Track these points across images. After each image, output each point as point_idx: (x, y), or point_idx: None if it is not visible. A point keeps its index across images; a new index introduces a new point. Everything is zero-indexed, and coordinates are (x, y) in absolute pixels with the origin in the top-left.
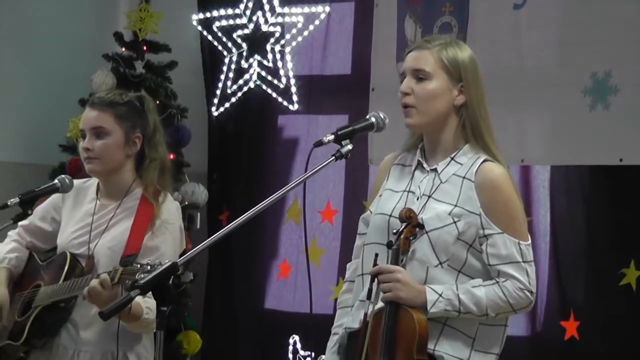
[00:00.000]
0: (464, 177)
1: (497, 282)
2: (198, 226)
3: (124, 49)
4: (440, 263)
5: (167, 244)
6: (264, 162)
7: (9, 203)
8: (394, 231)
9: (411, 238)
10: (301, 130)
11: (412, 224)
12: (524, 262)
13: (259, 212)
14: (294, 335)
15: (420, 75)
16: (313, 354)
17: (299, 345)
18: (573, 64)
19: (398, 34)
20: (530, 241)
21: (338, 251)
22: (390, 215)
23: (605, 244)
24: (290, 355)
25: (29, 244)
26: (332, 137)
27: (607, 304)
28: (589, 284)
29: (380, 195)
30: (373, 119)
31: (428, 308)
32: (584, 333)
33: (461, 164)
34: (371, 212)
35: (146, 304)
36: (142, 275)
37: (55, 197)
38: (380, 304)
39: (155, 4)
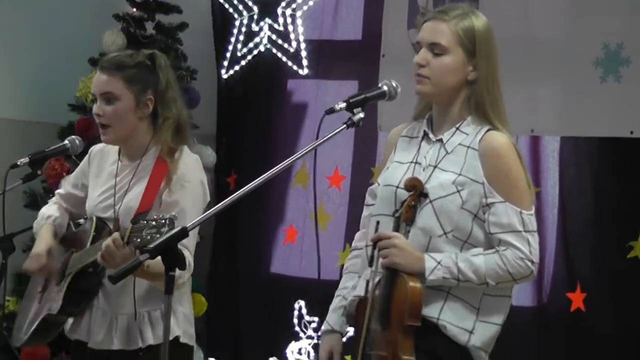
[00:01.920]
0: (468, 147)
1: (498, 250)
2: None
3: (134, 9)
4: (445, 233)
5: (186, 198)
6: (272, 126)
7: (18, 163)
8: (401, 201)
9: (415, 205)
10: (310, 95)
11: (416, 192)
12: (525, 231)
13: (268, 178)
14: (300, 301)
15: (436, 50)
16: (318, 319)
17: (304, 311)
18: (584, 35)
19: (410, 0)
20: (533, 211)
21: (345, 217)
22: (397, 187)
23: (614, 217)
24: (296, 320)
25: (67, 210)
26: (344, 104)
27: (614, 276)
28: (596, 256)
29: (388, 168)
30: (385, 88)
31: (426, 275)
32: (590, 305)
33: (467, 134)
34: (379, 184)
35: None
36: (150, 232)
37: (83, 162)
38: (381, 271)
39: None
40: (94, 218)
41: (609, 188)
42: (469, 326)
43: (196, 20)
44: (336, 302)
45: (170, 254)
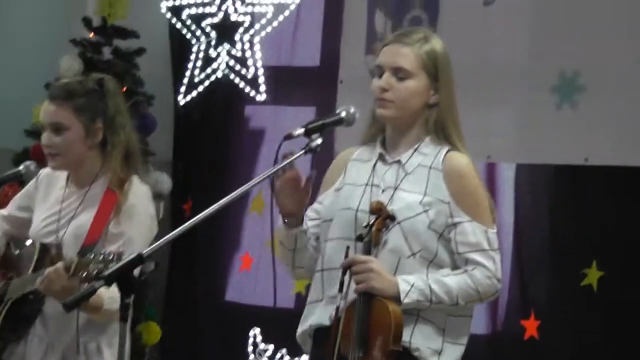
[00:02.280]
0: (430, 167)
1: (466, 270)
2: (161, 215)
3: (92, 34)
4: (413, 254)
5: (134, 229)
6: (229, 152)
7: None
8: (364, 224)
9: (383, 230)
10: (268, 121)
11: (382, 216)
12: (491, 250)
13: (225, 205)
14: (255, 328)
15: (400, 75)
16: (273, 347)
17: (259, 339)
18: (542, 62)
19: (368, 26)
20: (496, 229)
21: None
22: (357, 210)
23: (568, 244)
24: (250, 348)
25: (6, 233)
26: (302, 130)
27: (568, 304)
28: (551, 283)
29: (339, 189)
30: (343, 114)
31: (401, 299)
32: (545, 333)
33: (425, 154)
34: (320, 203)
35: (109, 293)
36: (97, 266)
37: (30, 184)
38: (352, 296)
39: None
40: (38, 244)
41: (564, 215)
42: (437, 347)
43: (154, 46)
44: None
45: (126, 281)
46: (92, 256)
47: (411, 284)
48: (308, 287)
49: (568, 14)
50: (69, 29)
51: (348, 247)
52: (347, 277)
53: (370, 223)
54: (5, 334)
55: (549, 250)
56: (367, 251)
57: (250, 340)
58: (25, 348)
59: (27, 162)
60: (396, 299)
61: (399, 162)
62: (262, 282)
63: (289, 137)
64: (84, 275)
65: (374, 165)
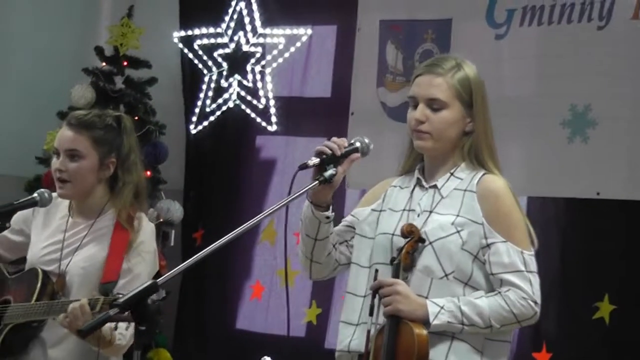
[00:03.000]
0: (465, 190)
1: (499, 292)
2: (172, 243)
3: (104, 64)
4: (446, 275)
5: (141, 265)
6: (240, 182)
7: None
8: (397, 248)
9: (414, 252)
10: (279, 152)
11: (414, 238)
12: (527, 271)
13: (238, 235)
14: (266, 357)
15: (435, 106)
16: None
17: None
18: (553, 96)
19: (379, 59)
20: (533, 252)
21: None
22: (393, 234)
23: (580, 277)
24: None
25: None
26: (317, 160)
27: (580, 337)
28: (563, 316)
29: (376, 211)
30: (358, 144)
31: (430, 320)
32: None
33: (461, 179)
34: (353, 215)
35: (119, 329)
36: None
37: (27, 210)
38: (382, 319)
39: (137, 20)
40: (40, 271)
41: (575, 248)
42: None
43: (166, 75)
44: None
45: (141, 308)
46: (120, 296)
47: (441, 305)
48: (319, 317)
49: (578, 47)
50: (82, 58)
51: (377, 270)
52: (377, 301)
53: (401, 246)
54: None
55: (561, 283)
56: (396, 274)
57: None
58: None
59: (41, 190)
60: (425, 321)
61: (435, 186)
62: (273, 310)
63: (304, 167)
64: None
65: (412, 191)
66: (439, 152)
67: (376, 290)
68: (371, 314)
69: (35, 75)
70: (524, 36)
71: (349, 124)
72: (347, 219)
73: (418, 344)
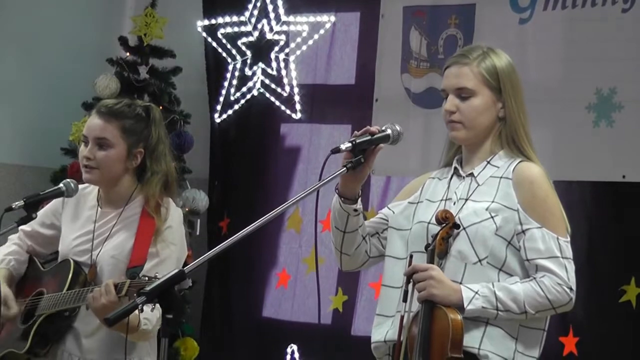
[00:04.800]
0: (501, 177)
1: (534, 278)
2: (198, 232)
3: (128, 54)
4: (480, 260)
5: (169, 250)
6: (265, 170)
7: (13, 206)
8: (432, 235)
9: (448, 237)
10: (303, 139)
11: (448, 224)
12: (562, 257)
13: (264, 223)
14: (292, 345)
15: (463, 94)
16: None
17: (296, 355)
18: (577, 80)
19: (403, 45)
20: (569, 239)
21: None
22: (429, 223)
23: (606, 261)
24: None
25: (29, 249)
26: (349, 145)
27: (607, 320)
28: (589, 300)
29: (413, 203)
30: (389, 131)
31: (465, 305)
32: (583, 349)
33: (497, 167)
34: (391, 210)
35: (144, 315)
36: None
37: (55, 202)
38: (416, 306)
39: (160, 10)
40: (72, 262)
41: (602, 232)
42: (509, 356)
43: (190, 65)
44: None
45: (168, 296)
46: (146, 278)
47: (475, 290)
48: (345, 304)
49: (603, 31)
50: (106, 48)
51: (411, 256)
52: (410, 286)
53: (436, 232)
54: (36, 349)
55: (587, 266)
56: (431, 259)
57: (288, 357)
58: None
59: (67, 180)
60: (460, 306)
61: (472, 175)
62: (299, 298)
63: (336, 150)
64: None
65: (449, 180)
66: (474, 140)
67: (410, 275)
68: (405, 300)
69: (60, 67)
70: (548, 20)
71: (373, 111)
72: (383, 212)
73: (453, 329)
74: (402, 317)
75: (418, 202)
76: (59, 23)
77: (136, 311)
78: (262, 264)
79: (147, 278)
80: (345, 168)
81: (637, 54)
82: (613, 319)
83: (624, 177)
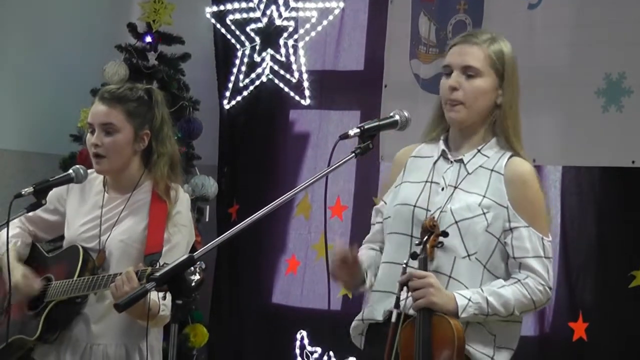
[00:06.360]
0: (492, 170)
1: (519, 280)
2: (207, 219)
3: (137, 40)
4: (469, 255)
5: (179, 235)
6: (274, 156)
7: (23, 192)
8: (417, 242)
9: (437, 247)
10: (312, 125)
11: (435, 232)
12: (545, 257)
13: (274, 209)
14: (302, 331)
15: (469, 73)
16: (320, 350)
17: (306, 341)
18: (587, 65)
19: (412, 31)
20: (551, 238)
21: (347, 247)
22: (415, 206)
23: (616, 246)
24: (297, 351)
25: (31, 233)
26: (358, 130)
27: (616, 306)
28: (599, 285)
29: (397, 187)
30: (397, 117)
31: (459, 314)
32: (593, 335)
33: (488, 157)
34: (385, 202)
35: (162, 300)
36: None
37: (60, 188)
38: (410, 312)
39: None
40: (81, 248)
41: (611, 218)
42: (490, 352)
43: (198, 51)
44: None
45: (178, 282)
46: (165, 264)
47: (468, 298)
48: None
49: (612, 15)
50: (115, 34)
51: (405, 266)
52: (404, 293)
53: (424, 240)
54: (46, 335)
55: (597, 252)
56: (424, 268)
57: (298, 343)
58: (60, 347)
59: (76, 166)
60: (454, 314)
61: (461, 160)
62: (308, 284)
63: (345, 136)
64: (147, 276)
65: (435, 162)
66: (469, 123)
67: (405, 283)
68: (397, 306)
69: (69, 53)
70: (557, 5)
71: (383, 97)
72: (379, 211)
73: (457, 333)
74: (394, 324)
75: (402, 183)
76: (68, 10)
77: (155, 297)
78: (271, 250)
79: (165, 264)
80: (353, 154)
81: None
82: (623, 304)
83: (633, 162)
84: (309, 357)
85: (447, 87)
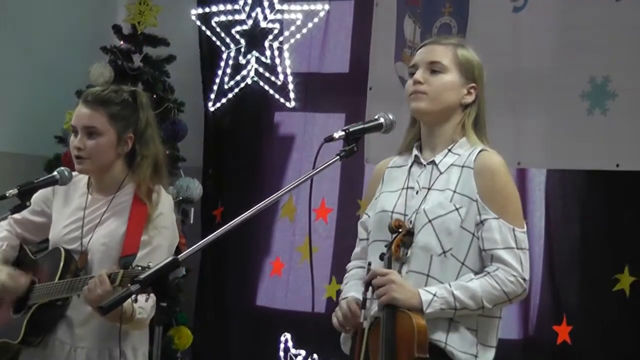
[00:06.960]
0: (462, 166)
1: (489, 273)
2: (192, 221)
3: (122, 42)
4: (444, 252)
5: (161, 237)
6: (259, 159)
7: (7, 194)
8: (385, 244)
9: (401, 247)
10: (297, 128)
11: (402, 232)
12: (517, 248)
13: (258, 211)
14: (286, 333)
15: (435, 68)
16: (304, 352)
17: (290, 344)
18: (572, 68)
19: (397, 33)
20: (525, 229)
21: (331, 249)
22: (393, 212)
23: (600, 249)
24: (282, 353)
25: (19, 236)
26: (342, 133)
27: (600, 309)
28: (583, 288)
29: (376, 198)
30: (382, 120)
31: (424, 309)
32: (577, 338)
33: (458, 155)
34: (369, 216)
35: (139, 304)
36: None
37: (45, 189)
38: (376, 310)
39: None
40: (63, 250)
41: (595, 221)
42: (473, 351)
43: (183, 53)
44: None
45: (162, 284)
46: (139, 267)
47: (433, 293)
48: (339, 293)
49: (597, 19)
50: (100, 36)
51: (370, 263)
52: (369, 293)
53: (390, 240)
54: (29, 339)
55: (581, 255)
56: (388, 266)
57: (282, 345)
58: (44, 351)
59: (61, 168)
60: (420, 310)
61: (433, 162)
62: (293, 287)
63: (330, 139)
64: (132, 278)
65: (409, 168)
66: (434, 117)
67: (369, 282)
68: (364, 306)
69: (54, 55)
70: (542, 8)
71: (367, 99)
72: (364, 225)
73: (418, 333)
74: (361, 330)
75: (381, 194)
76: (53, 11)
77: (130, 300)
78: (256, 252)
79: (140, 267)
80: (338, 157)
81: (630, 43)
82: (606, 307)
83: (617, 165)
84: (293, 359)
85: (411, 82)
